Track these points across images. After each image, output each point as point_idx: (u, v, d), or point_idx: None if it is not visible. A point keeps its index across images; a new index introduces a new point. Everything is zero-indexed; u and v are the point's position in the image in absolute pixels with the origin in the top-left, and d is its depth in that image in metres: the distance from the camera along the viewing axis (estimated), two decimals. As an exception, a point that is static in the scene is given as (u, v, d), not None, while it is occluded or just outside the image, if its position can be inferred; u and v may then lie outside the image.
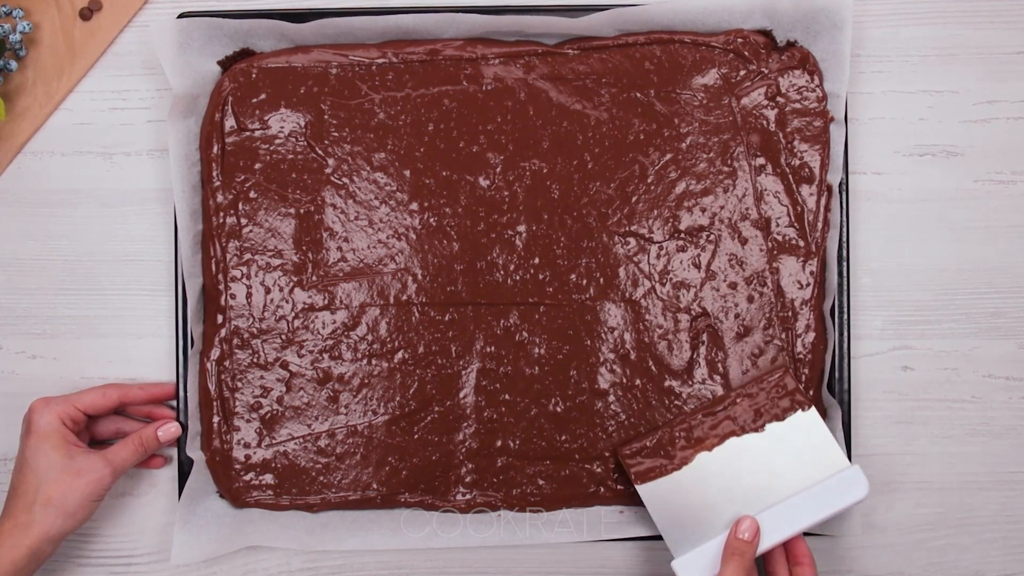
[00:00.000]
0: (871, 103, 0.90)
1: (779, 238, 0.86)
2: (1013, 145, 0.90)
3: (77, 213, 0.90)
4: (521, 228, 0.87)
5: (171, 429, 0.85)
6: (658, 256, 0.87)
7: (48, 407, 0.82)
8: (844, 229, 0.87)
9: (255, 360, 0.86)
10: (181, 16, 0.86)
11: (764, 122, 0.87)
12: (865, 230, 0.90)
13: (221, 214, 0.86)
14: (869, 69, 0.90)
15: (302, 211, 0.86)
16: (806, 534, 0.84)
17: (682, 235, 0.87)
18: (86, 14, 0.90)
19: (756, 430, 0.84)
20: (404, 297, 0.86)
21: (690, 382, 0.86)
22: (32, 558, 0.80)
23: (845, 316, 0.87)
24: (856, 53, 0.90)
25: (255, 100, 0.86)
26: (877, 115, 0.90)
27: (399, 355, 0.86)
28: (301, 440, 0.86)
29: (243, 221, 0.86)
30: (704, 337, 0.86)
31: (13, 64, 0.88)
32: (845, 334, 0.87)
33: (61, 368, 0.90)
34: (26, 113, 0.90)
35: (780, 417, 0.84)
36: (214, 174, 0.86)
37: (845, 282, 0.87)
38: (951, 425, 0.90)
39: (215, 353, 0.86)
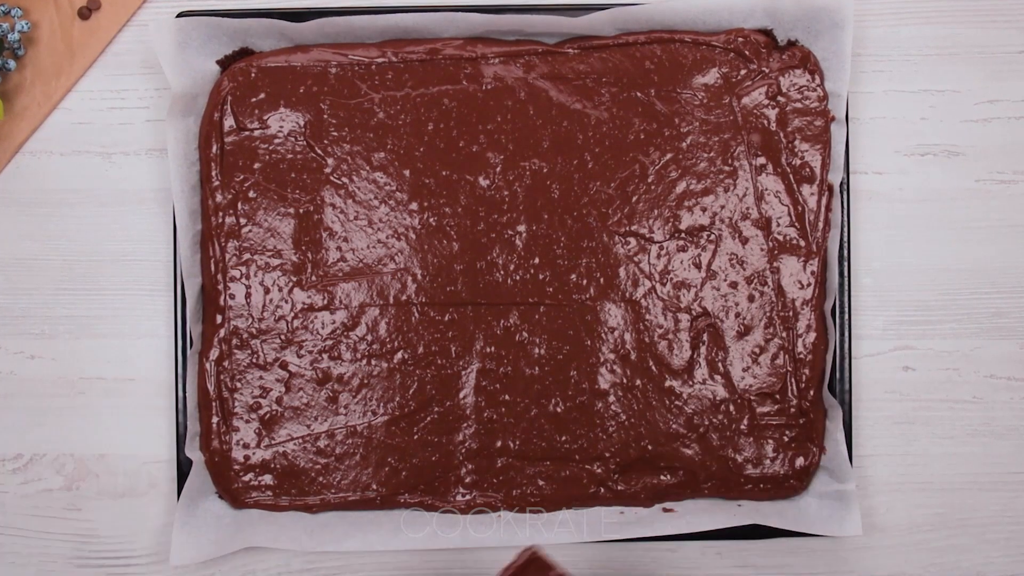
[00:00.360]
0: (872, 102, 0.90)
1: (780, 238, 0.86)
2: (1015, 145, 0.90)
3: (75, 213, 0.90)
4: (521, 228, 0.86)
5: None
6: (658, 256, 0.86)
7: None
8: (845, 229, 0.87)
9: (254, 360, 0.86)
10: (180, 15, 0.86)
11: (765, 121, 0.86)
12: (866, 230, 0.90)
13: (220, 214, 0.86)
14: (870, 68, 0.90)
15: (301, 211, 0.86)
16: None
17: (682, 235, 0.86)
18: (85, 13, 0.89)
19: None
20: (404, 297, 0.86)
21: (691, 382, 0.86)
22: None
23: (846, 316, 0.87)
24: (857, 52, 0.90)
25: (254, 99, 0.86)
26: (878, 114, 0.90)
27: (399, 355, 0.86)
28: (300, 441, 0.86)
29: (242, 221, 0.86)
30: (705, 337, 0.86)
31: (11, 63, 0.88)
32: (846, 334, 0.87)
33: (60, 368, 0.90)
34: (24, 113, 0.90)
35: None
36: (213, 174, 0.86)
37: (846, 282, 0.87)
38: (952, 426, 0.90)
39: (214, 353, 0.86)
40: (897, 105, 0.90)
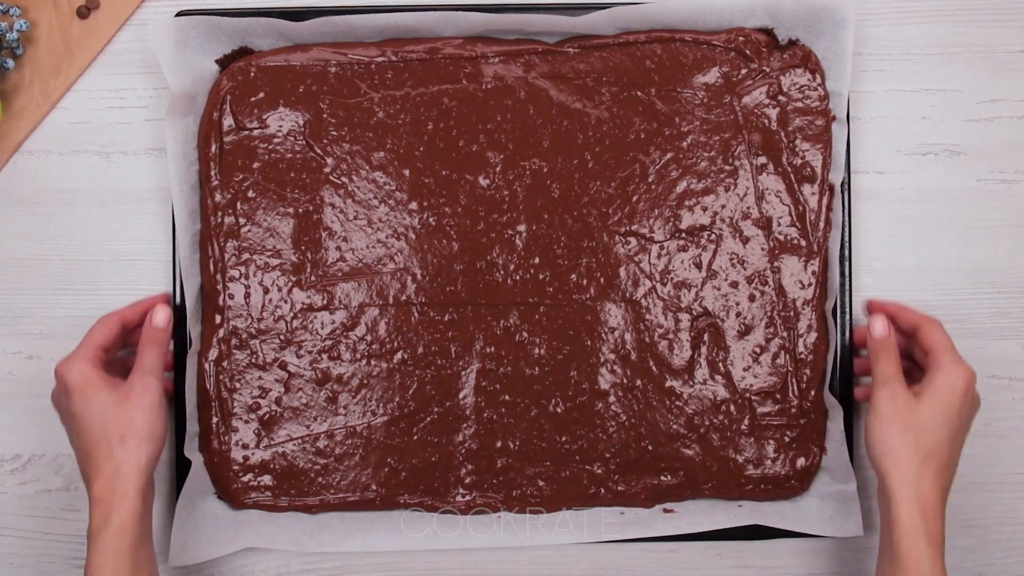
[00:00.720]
0: (873, 102, 0.90)
1: (780, 237, 0.86)
2: (1016, 144, 0.90)
3: (74, 213, 0.90)
4: (521, 228, 0.86)
5: (159, 314, 0.83)
6: (659, 256, 0.86)
7: (71, 362, 0.80)
8: (846, 229, 0.87)
9: (253, 360, 0.86)
10: (179, 15, 0.85)
11: (766, 121, 0.86)
12: (867, 230, 0.90)
13: (219, 213, 0.85)
14: (871, 67, 0.90)
15: (301, 211, 0.86)
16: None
17: (683, 234, 0.86)
18: (84, 12, 0.89)
19: None
20: (403, 297, 0.86)
21: (691, 382, 0.86)
22: (143, 499, 0.77)
23: (847, 316, 0.87)
24: (858, 51, 0.89)
25: (253, 99, 0.86)
26: (879, 114, 0.90)
27: (398, 355, 0.86)
28: (300, 441, 0.86)
29: (241, 220, 0.86)
30: (705, 337, 0.86)
31: (10, 63, 0.88)
32: (847, 334, 0.87)
33: None
34: (23, 112, 0.89)
35: None
36: (212, 173, 0.85)
37: (847, 282, 0.87)
38: (953, 426, 0.90)
39: (213, 353, 0.85)
40: (898, 104, 0.90)
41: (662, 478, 0.87)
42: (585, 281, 0.86)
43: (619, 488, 0.86)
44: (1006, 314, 0.90)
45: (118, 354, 0.86)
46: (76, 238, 0.90)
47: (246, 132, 0.86)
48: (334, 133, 0.86)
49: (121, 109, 0.90)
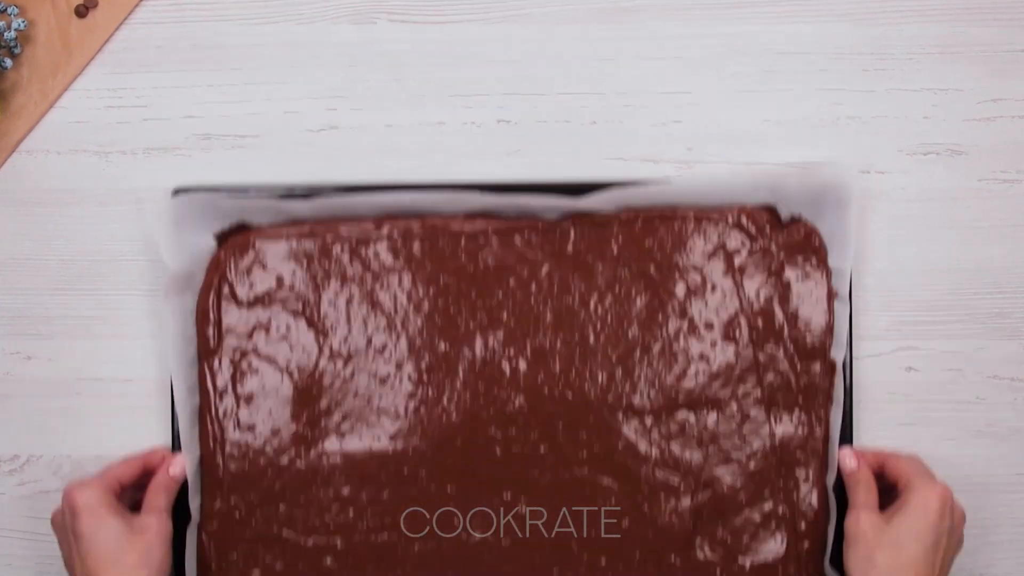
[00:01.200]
0: (874, 101, 0.89)
1: (782, 414, 0.85)
2: (1018, 144, 0.89)
3: (73, 212, 0.90)
4: (520, 402, 0.86)
5: (177, 464, 0.84)
6: (659, 431, 0.86)
7: (85, 484, 0.80)
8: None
9: (254, 534, 0.85)
10: (176, 192, 0.85)
11: (768, 298, 0.85)
12: (868, 230, 0.89)
13: (218, 388, 0.85)
14: (872, 67, 0.89)
15: (300, 386, 0.86)
16: None
17: (684, 410, 0.86)
18: (82, 11, 0.89)
19: None
20: (404, 471, 0.86)
21: (691, 556, 0.86)
22: None
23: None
24: (860, 51, 0.88)
25: (252, 275, 0.85)
26: (880, 113, 0.89)
27: (399, 528, 0.86)
28: (301, 612, 0.86)
29: (240, 395, 0.85)
30: (704, 512, 0.86)
31: (8, 62, 0.87)
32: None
33: (57, 369, 0.89)
34: (21, 111, 0.89)
35: None
36: (210, 348, 0.85)
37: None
38: (956, 427, 0.89)
39: (213, 526, 0.85)
40: (900, 104, 0.89)
41: (661, 651, 0.87)
42: (584, 454, 0.86)
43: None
44: (1008, 314, 0.89)
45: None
46: (75, 238, 0.90)
47: (245, 308, 0.85)
48: (333, 309, 0.86)
49: (120, 108, 0.89)
